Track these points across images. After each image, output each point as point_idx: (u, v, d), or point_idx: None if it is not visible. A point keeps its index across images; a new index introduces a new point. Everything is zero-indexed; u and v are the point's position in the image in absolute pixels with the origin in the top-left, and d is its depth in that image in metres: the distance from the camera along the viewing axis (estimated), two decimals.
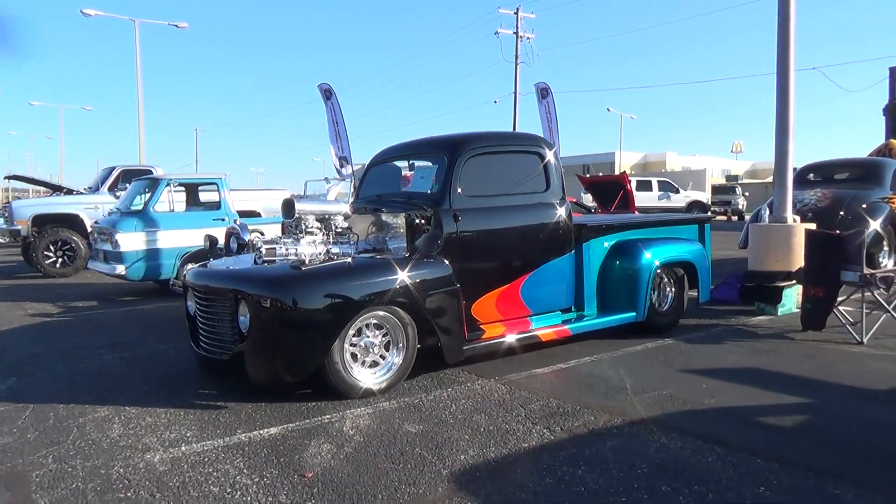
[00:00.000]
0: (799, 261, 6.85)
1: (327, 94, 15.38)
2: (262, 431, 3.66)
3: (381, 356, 4.38)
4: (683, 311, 6.29)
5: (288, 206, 4.77)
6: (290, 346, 4.08)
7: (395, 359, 4.41)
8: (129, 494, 2.93)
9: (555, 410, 3.97)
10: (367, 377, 4.30)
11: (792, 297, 7.10)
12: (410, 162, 5.42)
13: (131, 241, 8.54)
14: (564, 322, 5.42)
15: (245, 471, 3.15)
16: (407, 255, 4.64)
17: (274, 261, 4.54)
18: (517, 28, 29.73)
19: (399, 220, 4.85)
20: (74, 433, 3.69)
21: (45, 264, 11.30)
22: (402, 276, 4.35)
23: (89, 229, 10.27)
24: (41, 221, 11.56)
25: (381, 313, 4.33)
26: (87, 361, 5.31)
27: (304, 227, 4.81)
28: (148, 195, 9.03)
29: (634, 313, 5.73)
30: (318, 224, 4.90)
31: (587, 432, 3.56)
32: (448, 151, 4.96)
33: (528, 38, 29.75)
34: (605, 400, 4.14)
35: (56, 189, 14.28)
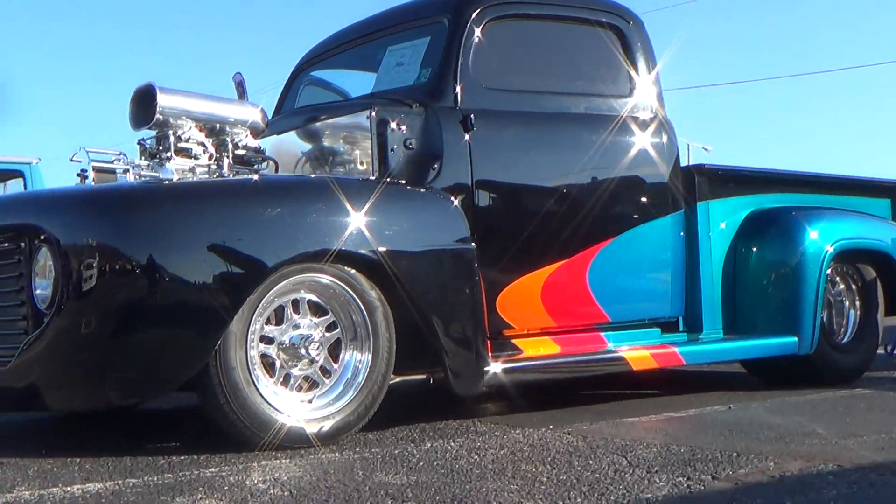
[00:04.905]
0: None
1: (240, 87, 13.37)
2: (69, 488, 1.78)
3: (321, 368, 2.25)
4: (876, 348, 3.69)
5: (144, 98, 2.48)
6: (136, 331, 2.11)
7: (352, 370, 2.26)
8: None
9: (686, 458, 1.95)
10: (296, 406, 2.20)
11: None
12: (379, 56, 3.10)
13: None
14: (672, 343, 3.02)
15: None
16: (374, 178, 2.53)
17: None
18: None
19: (359, 122, 2.64)
20: None
21: None
22: (363, 213, 2.27)
23: None
24: None
25: (323, 280, 2.24)
26: None
27: (172, 140, 2.50)
28: None
29: (795, 339, 3.19)
30: (203, 138, 2.59)
31: (771, 480, 1.77)
32: (451, 9, 2.84)
33: None
34: (786, 445, 2.21)
35: None
